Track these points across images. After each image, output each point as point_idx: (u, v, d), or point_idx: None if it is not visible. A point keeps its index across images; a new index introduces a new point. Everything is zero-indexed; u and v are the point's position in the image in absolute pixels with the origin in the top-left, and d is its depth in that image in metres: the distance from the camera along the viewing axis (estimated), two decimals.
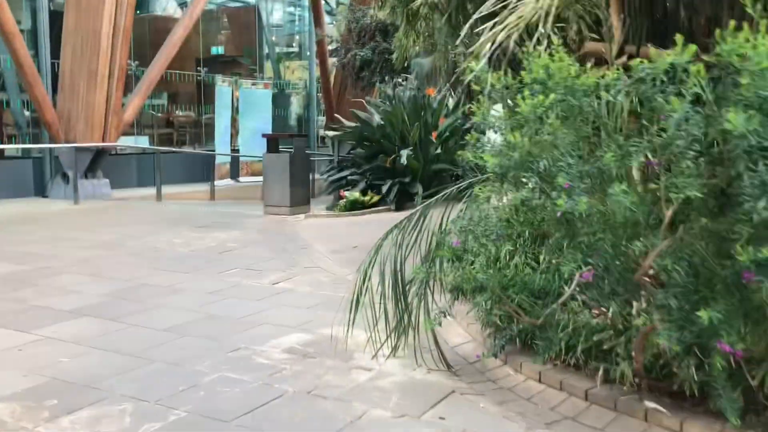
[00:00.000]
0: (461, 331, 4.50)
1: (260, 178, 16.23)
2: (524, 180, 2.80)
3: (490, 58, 3.40)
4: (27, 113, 13.51)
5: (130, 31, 12.87)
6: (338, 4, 23.28)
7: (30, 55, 12.17)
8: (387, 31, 14.26)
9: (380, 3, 8.57)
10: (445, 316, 3.64)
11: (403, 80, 13.51)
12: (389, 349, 3.92)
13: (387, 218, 9.78)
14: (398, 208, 10.28)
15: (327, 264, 6.71)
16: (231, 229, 8.84)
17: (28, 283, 5.88)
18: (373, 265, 3.88)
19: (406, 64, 11.40)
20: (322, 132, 21.51)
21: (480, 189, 3.15)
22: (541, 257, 3.75)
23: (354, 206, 10.17)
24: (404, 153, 10.09)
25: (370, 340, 3.97)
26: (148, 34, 19.10)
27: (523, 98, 2.81)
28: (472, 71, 3.09)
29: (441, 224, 3.82)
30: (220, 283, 5.86)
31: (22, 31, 12.29)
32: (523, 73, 2.86)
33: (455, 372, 3.81)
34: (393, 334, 3.91)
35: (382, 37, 14.22)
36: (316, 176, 13.17)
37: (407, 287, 3.75)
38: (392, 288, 3.78)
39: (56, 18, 13.09)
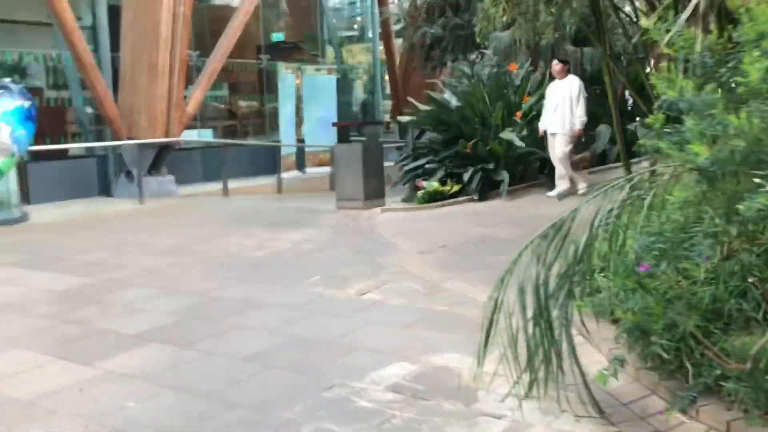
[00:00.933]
0: (600, 357, 3.66)
1: (327, 169, 15.66)
2: (757, 180, 1.94)
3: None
4: (89, 110, 13.18)
5: (189, 20, 12.34)
6: None
7: (90, 50, 11.78)
8: (458, 6, 13.31)
9: None
10: (622, 366, 2.80)
11: (478, 57, 12.58)
12: (514, 384, 3.12)
13: (470, 210, 8.98)
14: (482, 198, 9.43)
15: (415, 267, 5.95)
16: (304, 227, 8.18)
17: (92, 299, 5.33)
18: (505, 288, 3.06)
19: (479, 41, 10.48)
20: (387, 117, 20.74)
21: (674, 190, 2.29)
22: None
23: (433, 197, 9.36)
24: (510, 135, 9.30)
25: (496, 375, 3.18)
26: (207, 24, 18.67)
27: (745, 63, 1.94)
28: (667, 31, 2.23)
29: (593, 229, 2.94)
30: (300, 295, 5.17)
31: (82, 27, 11.91)
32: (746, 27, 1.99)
33: (609, 419, 2.98)
34: (529, 371, 3.11)
35: (453, 12, 13.28)
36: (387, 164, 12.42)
37: (551, 313, 2.93)
38: (532, 313, 2.96)
39: (115, 12, 12.67)
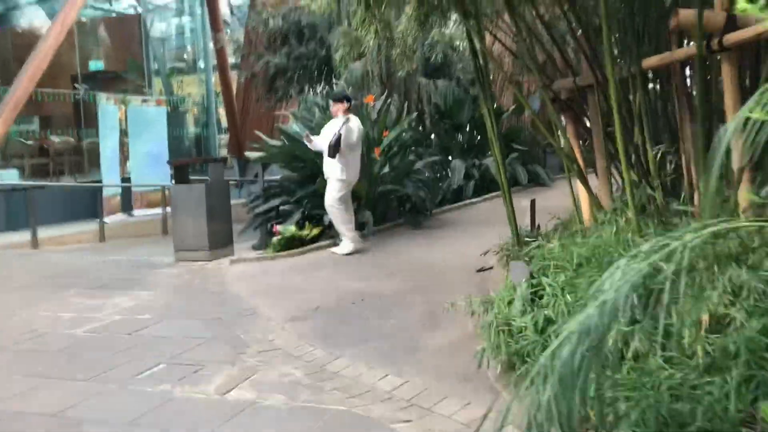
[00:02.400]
0: None
1: (159, 210, 13.94)
2: None
3: None
4: None
5: None
6: (232, 11, 21.18)
7: None
8: (303, 34, 12.37)
9: None
10: None
11: (326, 89, 11.71)
12: None
13: (336, 257, 7.95)
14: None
15: (289, 342, 4.78)
16: (138, 289, 6.69)
17: None
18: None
19: (340, 69, 9.63)
20: (224, 152, 19.29)
21: None
22: None
23: (291, 243, 8.21)
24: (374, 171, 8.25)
25: None
26: (11, 50, 16.33)
27: None
28: None
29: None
30: (141, 399, 3.80)
31: None
32: None
33: None
34: None
35: (297, 41, 12.31)
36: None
37: None
38: None
39: None
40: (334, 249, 7.97)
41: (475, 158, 12.30)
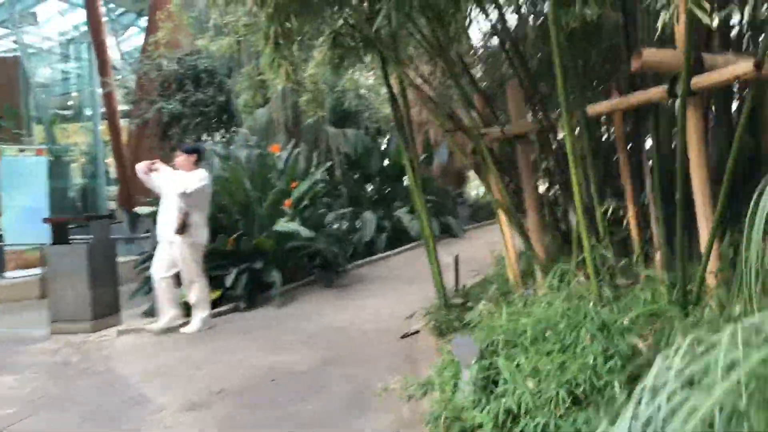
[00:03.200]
0: None
1: (36, 271, 12.47)
2: None
3: None
4: None
5: None
6: (122, 56, 20.06)
7: None
8: (199, 80, 11.58)
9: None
10: None
11: (225, 138, 10.91)
12: None
13: (241, 323, 7.08)
14: (251, 305, 7.66)
15: None
16: (2, 372, 5.60)
17: None
18: None
19: (243, 114, 8.90)
20: (113, 205, 17.89)
21: None
22: None
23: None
24: (289, 225, 7.51)
25: None
26: None
27: None
28: None
29: None
30: None
31: None
32: None
33: None
34: None
35: (194, 86, 11.50)
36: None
37: None
38: None
39: None
40: (149, 326, 6.91)
41: (387, 210, 11.81)
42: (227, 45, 6.99)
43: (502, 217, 6.43)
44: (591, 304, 3.39)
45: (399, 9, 4.27)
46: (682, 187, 3.05)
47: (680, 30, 3.11)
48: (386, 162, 12.32)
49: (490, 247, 8.12)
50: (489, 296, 5.51)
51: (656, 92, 3.38)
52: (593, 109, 3.95)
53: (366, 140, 11.89)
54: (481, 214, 15.45)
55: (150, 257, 8.48)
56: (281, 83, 5.39)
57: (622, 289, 3.76)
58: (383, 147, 12.74)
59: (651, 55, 3.06)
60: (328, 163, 10.45)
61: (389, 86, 5.87)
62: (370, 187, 12.06)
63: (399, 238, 11.34)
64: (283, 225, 7.72)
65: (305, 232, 7.91)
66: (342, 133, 11.48)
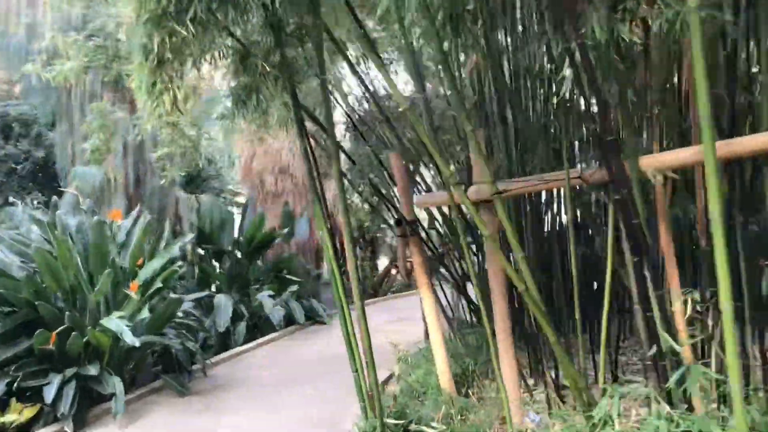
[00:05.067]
0: None
1: None
2: None
3: None
4: None
5: None
6: None
7: None
8: (10, 128, 9.33)
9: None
10: None
11: (39, 202, 8.67)
12: None
13: None
14: (79, 427, 5.59)
15: None
16: None
17: None
18: None
19: (42, 175, 6.91)
20: None
21: None
22: None
23: None
24: (117, 323, 5.44)
25: None
26: None
27: None
28: None
29: None
30: None
31: None
32: None
33: None
34: None
35: (2, 137, 9.19)
36: None
37: None
38: None
39: None
40: None
41: (243, 292, 10.04)
42: (70, 71, 5.19)
43: (428, 300, 5.18)
44: None
45: None
46: None
47: None
48: (241, 236, 10.65)
49: (374, 334, 6.73)
50: (440, 416, 4.14)
51: None
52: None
53: (223, 209, 10.16)
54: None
55: None
56: (157, 118, 3.79)
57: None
58: (237, 218, 11.07)
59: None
60: (191, 236, 8.63)
61: (306, 138, 4.44)
62: (224, 265, 10.24)
63: (261, 327, 9.62)
64: (108, 322, 5.79)
65: (128, 336, 5.84)
66: (195, 199, 9.69)
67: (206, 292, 9.27)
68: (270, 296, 9.92)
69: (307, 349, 8.88)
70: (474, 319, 6.87)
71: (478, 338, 6.06)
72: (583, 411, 3.23)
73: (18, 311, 5.95)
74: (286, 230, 11.20)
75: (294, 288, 10.30)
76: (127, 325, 5.70)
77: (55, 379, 5.68)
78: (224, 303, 9.31)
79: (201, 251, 10.31)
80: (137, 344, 5.64)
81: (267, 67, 4.04)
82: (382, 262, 16.89)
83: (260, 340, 9.30)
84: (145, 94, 3.56)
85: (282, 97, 4.44)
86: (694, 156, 3.04)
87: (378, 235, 16.00)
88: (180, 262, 7.12)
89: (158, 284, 6.49)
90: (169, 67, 3.53)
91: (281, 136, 12.57)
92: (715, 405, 3.22)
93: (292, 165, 13.12)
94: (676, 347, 3.07)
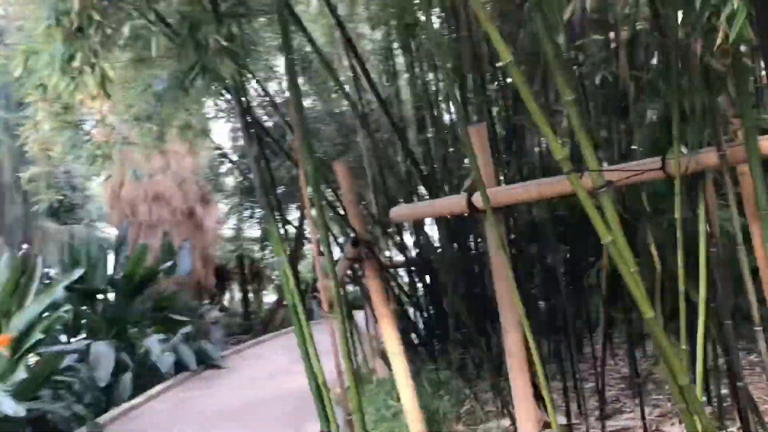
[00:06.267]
0: None
1: None
2: None
3: None
4: None
5: None
6: None
7: None
8: None
9: None
10: None
11: None
12: None
13: None
14: None
15: None
16: None
17: None
18: None
19: None
20: None
21: None
22: None
23: None
24: None
25: None
26: None
27: None
28: None
29: None
30: None
31: None
32: None
33: None
34: None
35: None
36: None
37: None
38: None
39: None
40: None
41: (123, 337, 8.62)
42: None
43: (389, 333, 4.38)
44: None
45: None
46: None
47: None
48: (117, 273, 9.21)
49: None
50: None
51: None
52: None
53: (101, 241, 8.70)
54: (235, 330, 12.99)
55: None
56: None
57: None
58: (111, 252, 9.58)
59: None
60: (78, 272, 7.17)
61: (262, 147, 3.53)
62: (99, 307, 8.74)
63: (150, 377, 8.26)
64: None
65: (9, 404, 4.56)
66: (68, 232, 8.17)
67: (84, 341, 7.82)
68: (161, 340, 8.60)
69: (208, 399, 7.69)
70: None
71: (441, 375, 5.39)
72: None
73: None
74: (168, 264, 9.90)
75: (187, 329, 9.03)
76: (6, 390, 4.40)
77: None
78: (104, 353, 7.87)
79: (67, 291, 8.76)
80: (22, 413, 4.36)
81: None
82: (269, 297, 15.90)
83: (150, 392, 7.95)
84: (58, 71, 2.54)
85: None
86: None
87: (262, 267, 14.93)
88: (67, 306, 5.79)
89: (38, 335, 5.17)
90: (89, 39, 2.54)
91: (156, 158, 11.25)
92: None
93: (169, 192, 11.80)
94: None
